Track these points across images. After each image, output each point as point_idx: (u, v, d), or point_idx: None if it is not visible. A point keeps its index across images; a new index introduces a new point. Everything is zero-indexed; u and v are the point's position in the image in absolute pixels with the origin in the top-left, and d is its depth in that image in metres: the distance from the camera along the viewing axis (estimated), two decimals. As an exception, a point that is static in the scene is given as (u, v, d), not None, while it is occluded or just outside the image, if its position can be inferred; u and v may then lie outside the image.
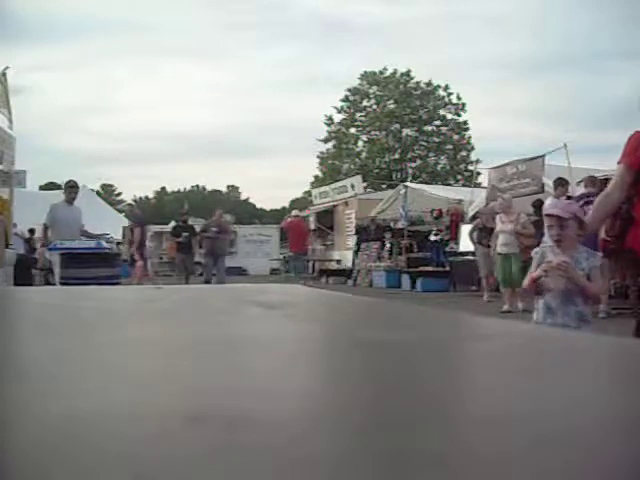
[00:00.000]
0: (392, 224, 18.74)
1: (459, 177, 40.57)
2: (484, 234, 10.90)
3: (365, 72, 42.62)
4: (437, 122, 42.14)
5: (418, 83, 41.99)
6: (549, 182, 11.85)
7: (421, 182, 30.07)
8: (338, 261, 21.86)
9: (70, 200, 8.97)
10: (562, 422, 0.37)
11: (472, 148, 41.62)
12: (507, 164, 13.65)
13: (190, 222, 14.07)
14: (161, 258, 23.33)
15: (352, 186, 22.80)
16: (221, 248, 12.75)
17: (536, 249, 3.49)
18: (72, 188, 9.06)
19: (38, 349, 0.67)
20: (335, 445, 0.33)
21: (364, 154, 41.81)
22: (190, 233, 12.96)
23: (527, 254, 11.24)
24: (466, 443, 0.34)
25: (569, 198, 9.43)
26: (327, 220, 23.97)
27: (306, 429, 0.36)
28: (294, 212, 16.05)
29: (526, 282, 3.35)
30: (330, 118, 42.40)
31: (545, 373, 0.54)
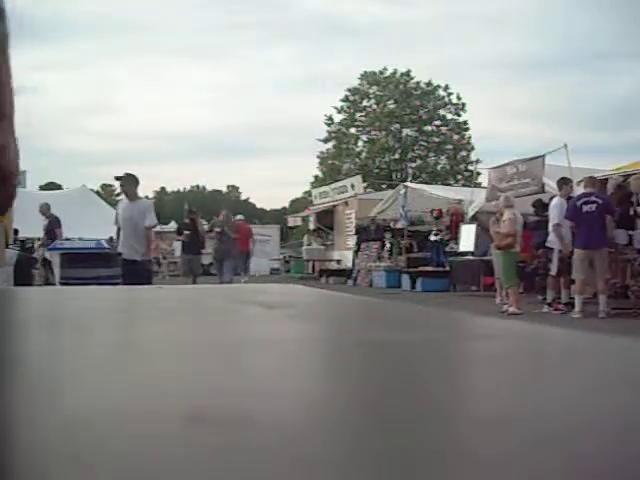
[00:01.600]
0: (392, 224, 18.74)
1: (459, 177, 40.55)
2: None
3: (365, 72, 42.62)
4: (437, 122, 42.14)
5: (418, 83, 41.99)
6: (549, 182, 11.85)
7: (421, 182, 30.08)
8: (338, 261, 21.85)
9: (130, 195, 7.84)
10: (562, 422, 0.37)
11: (472, 148, 41.63)
12: (507, 164, 13.64)
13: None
14: (165, 258, 23.23)
15: (352, 186, 22.80)
16: (227, 250, 11.97)
17: None
18: (120, 179, 7.91)
19: (38, 349, 0.67)
20: (335, 445, 0.33)
21: (364, 154, 41.81)
22: (192, 232, 11.81)
23: (528, 254, 11.22)
24: (466, 443, 0.34)
25: (569, 198, 9.45)
26: (327, 220, 23.97)
27: (306, 429, 0.36)
28: (239, 216, 16.10)
29: None
30: (330, 118, 42.41)
31: (545, 373, 0.54)
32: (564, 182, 9.80)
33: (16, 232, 15.87)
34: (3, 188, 1.13)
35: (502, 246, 9.67)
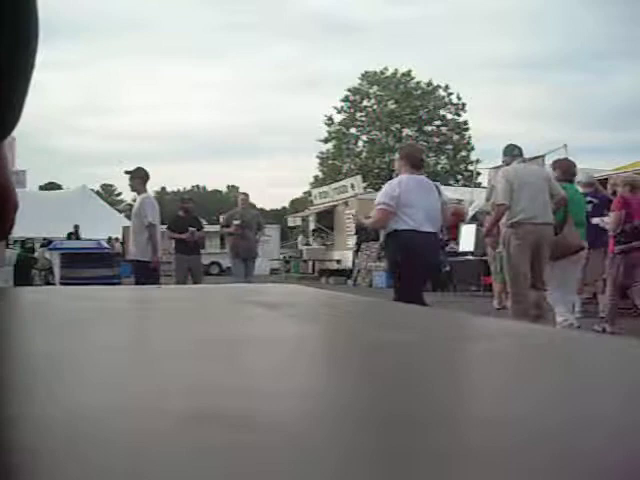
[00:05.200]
0: (392, 224, 18.72)
1: (459, 177, 40.55)
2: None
3: (366, 72, 42.64)
4: (437, 122, 42.16)
5: (418, 83, 42.01)
6: (549, 182, 11.84)
7: (421, 182, 29.98)
8: (338, 261, 21.85)
9: (135, 190, 7.70)
10: (562, 422, 0.37)
11: (472, 148, 41.66)
12: (507, 164, 13.63)
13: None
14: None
15: (352, 186, 22.81)
16: (250, 248, 9.57)
17: None
18: (129, 173, 7.67)
19: (38, 349, 0.67)
20: (335, 445, 0.33)
21: (364, 154, 41.81)
22: (198, 228, 9.58)
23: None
24: (466, 443, 0.34)
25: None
26: (327, 220, 23.96)
27: (306, 429, 0.36)
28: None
29: None
30: (330, 118, 42.44)
31: (544, 373, 0.54)
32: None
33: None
34: (14, 218, 1.19)
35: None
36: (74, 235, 20.27)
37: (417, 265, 5.03)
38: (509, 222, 5.83)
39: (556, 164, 7.03)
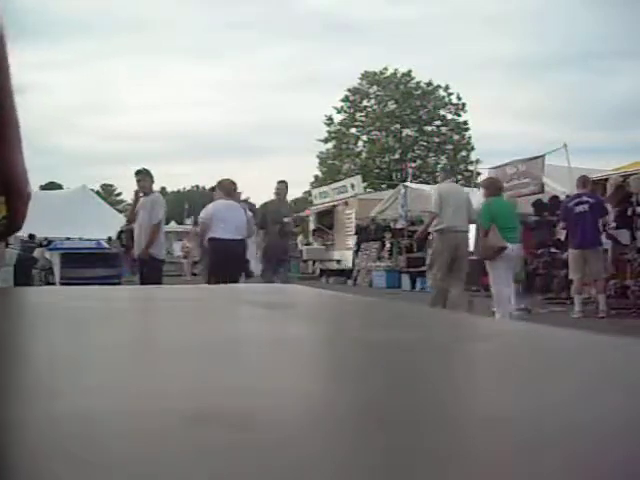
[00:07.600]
0: (392, 224, 18.74)
1: (459, 177, 40.49)
2: None
3: (366, 72, 42.59)
4: (437, 122, 42.12)
5: (418, 83, 41.96)
6: (549, 182, 11.86)
7: (421, 182, 30.00)
8: (338, 261, 21.84)
9: (144, 190, 7.58)
10: (562, 422, 0.37)
11: (472, 148, 41.62)
12: (507, 164, 13.64)
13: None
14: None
15: (352, 186, 22.79)
16: (287, 248, 8.39)
17: None
18: (138, 174, 7.55)
19: (38, 349, 0.67)
20: (335, 445, 0.33)
21: (364, 154, 41.77)
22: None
23: (529, 254, 11.21)
24: (466, 443, 0.34)
25: (567, 197, 9.45)
26: (327, 220, 23.94)
27: (306, 429, 0.36)
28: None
29: None
30: (330, 118, 42.41)
31: (545, 373, 0.54)
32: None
33: (31, 237, 15.67)
34: (25, 209, 1.16)
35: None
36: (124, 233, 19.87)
37: (226, 262, 6.93)
38: (435, 229, 7.68)
39: (483, 182, 8.72)
